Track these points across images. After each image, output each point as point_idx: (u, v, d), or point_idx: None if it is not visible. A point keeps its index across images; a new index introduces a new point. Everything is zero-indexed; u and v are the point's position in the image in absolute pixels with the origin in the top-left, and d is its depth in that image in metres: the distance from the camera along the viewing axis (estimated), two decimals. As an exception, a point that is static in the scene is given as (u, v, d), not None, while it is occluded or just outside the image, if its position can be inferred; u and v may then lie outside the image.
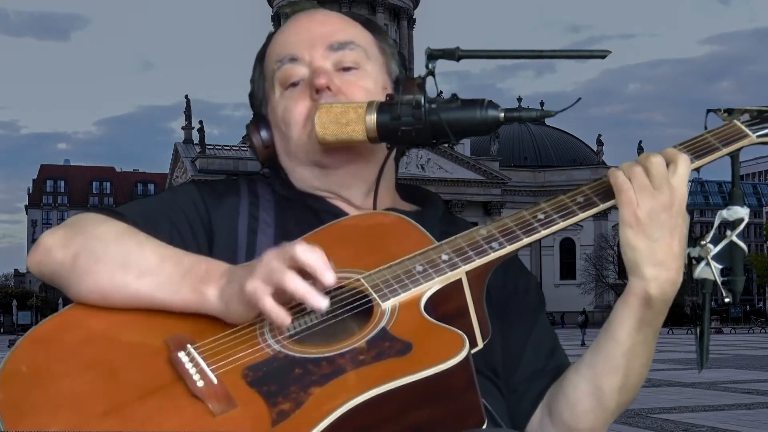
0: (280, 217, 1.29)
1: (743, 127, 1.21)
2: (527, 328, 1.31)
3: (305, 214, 1.28)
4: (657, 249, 1.11)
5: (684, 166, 1.12)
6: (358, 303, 1.06)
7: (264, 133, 1.33)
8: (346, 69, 1.30)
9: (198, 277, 1.07)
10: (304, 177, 1.31)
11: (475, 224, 1.21)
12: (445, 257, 1.11)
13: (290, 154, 1.30)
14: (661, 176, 1.11)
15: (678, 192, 1.11)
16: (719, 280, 1.15)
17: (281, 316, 0.99)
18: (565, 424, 1.23)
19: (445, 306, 1.09)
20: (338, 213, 1.26)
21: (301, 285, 0.98)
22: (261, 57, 1.38)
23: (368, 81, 1.30)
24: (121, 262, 1.10)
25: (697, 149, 1.18)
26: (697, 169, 1.19)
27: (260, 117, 1.35)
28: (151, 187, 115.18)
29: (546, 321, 1.36)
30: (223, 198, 1.30)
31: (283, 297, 1.00)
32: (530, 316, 1.33)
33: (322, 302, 0.98)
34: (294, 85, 1.29)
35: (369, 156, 1.28)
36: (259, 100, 1.37)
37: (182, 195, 1.29)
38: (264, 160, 1.34)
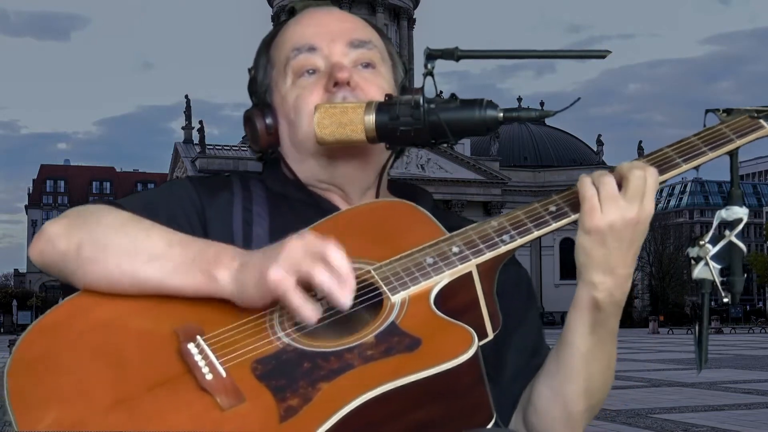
0: (274, 211, 1.28)
1: (758, 119, 1.20)
2: (515, 323, 1.29)
3: (298, 208, 1.28)
4: (611, 258, 1.11)
5: (653, 180, 1.11)
6: (368, 295, 1.06)
7: (269, 119, 1.32)
8: (364, 66, 1.31)
9: (208, 260, 1.06)
10: (310, 168, 1.30)
11: (471, 221, 1.20)
12: (455, 249, 1.10)
13: (297, 144, 1.30)
14: (637, 190, 1.10)
15: (646, 209, 1.11)
16: (718, 280, 1.14)
17: (309, 312, 0.98)
18: None
19: (456, 299, 1.08)
20: (331, 208, 1.26)
21: (329, 280, 0.98)
22: (268, 44, 1.37)
23: (383, 81, 1.31)
24: (128, 249, 1.09)
25: (712, 140, 1.18)
26: (697, 168, 1.18)
27: (264, 104, 1.34)
28: (151, 187, 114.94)
29: (535, 316, 1.35)
30: (217, 192, 1.29)
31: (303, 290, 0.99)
32: (520, 311, 1.31)
33: (347, 300, 0.98)
34: (308, 73, 1.29)
35: (372, 153, 1.28)
36: (264, 87, 1.35)
37: (178, 188, 1.29)
38: (264, 147, 1.33)
